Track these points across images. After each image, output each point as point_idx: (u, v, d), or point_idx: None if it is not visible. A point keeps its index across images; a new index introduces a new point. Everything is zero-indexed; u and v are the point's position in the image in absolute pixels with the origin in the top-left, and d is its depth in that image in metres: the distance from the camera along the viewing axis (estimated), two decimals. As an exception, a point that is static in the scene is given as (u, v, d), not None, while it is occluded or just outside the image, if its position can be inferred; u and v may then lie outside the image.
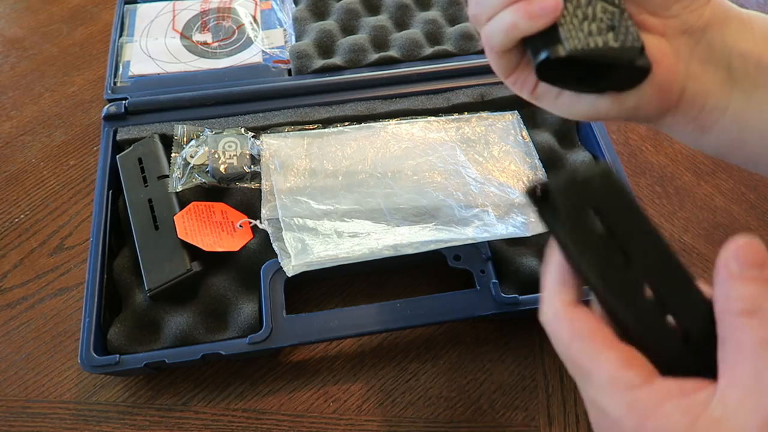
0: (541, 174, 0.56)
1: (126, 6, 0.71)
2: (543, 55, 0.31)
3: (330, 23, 0.67)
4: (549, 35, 0.31)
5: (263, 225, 0.52)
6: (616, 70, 0.32)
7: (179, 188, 0.54)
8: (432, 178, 0.55)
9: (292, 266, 0.48)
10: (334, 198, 0.54)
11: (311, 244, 0.50)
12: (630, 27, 0.31)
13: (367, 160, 0.57)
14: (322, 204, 0.53)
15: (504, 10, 0.32)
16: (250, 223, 0.53)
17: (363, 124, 0.59)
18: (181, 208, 0.53)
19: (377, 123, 0.59)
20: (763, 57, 0.32)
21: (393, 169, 0.56)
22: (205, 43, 0.67)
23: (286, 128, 0.59)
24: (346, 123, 0.60)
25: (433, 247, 0.49)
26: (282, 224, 0.51)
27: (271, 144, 0.57)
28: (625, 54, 0.31)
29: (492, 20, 0.32)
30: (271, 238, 0.51)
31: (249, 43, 0.67)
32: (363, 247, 0.49)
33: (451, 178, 0.55)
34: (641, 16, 0.32)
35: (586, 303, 0.26)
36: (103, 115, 0.59)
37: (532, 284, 0.50)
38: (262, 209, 0.53)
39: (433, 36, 0.67)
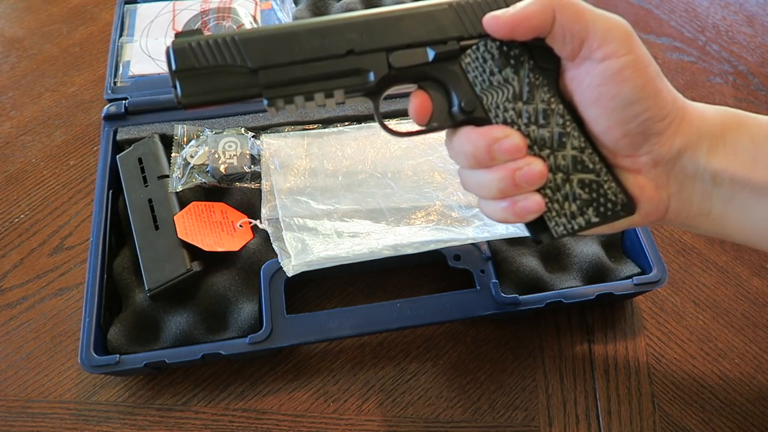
0: None
1: (126, 6, 0.71)
2: (535, 240, 0.36)
3: (330, 23, 0.67)
4: (538, 221, 0.35)
5: (263, 225, 0.52)
6: None
7: (179, 188, 0.54)
8: (432, 178, 0.55)
9: (292, 266, 0.48)
10: (334, 198, 0.54)
11: (311, 244, 0.50)
12: (609, 190, 0.34)
13: (367, 160, 0.56)
14: (322, 204, 0.53)
15: (493, 201, 0.35)
16: (250, 223, 0.53)
17: (363, 124, 0.59)
18: (181, 208, 0.53)
19: (377, 122, 0.59)
20: (736, 173, 0.33)
21: (393, 169, 0.56)
22: (205, 43, 0.67)
23: (286, 128, 0.59)
24: (346, 123, 0.60)
25: (433, 247, 0.49)
26: (282, 224, 0.51)
27: (271, 144, 0.57)
28: (607, 220, 0.34)
29: (484, 202, 0.36)
30: (271, 238, 0.51)
31: (249, 43, 0.67)
32: (363, 247, 0.49)
33: (451, 177, 0.55)
34: (615, 161, 0.34)
35: None
36: (103, 115, 0.59)
37: (532, 284, 0.50)
38: (262, 209, 0.53)
39: (433, 36, 0.67)
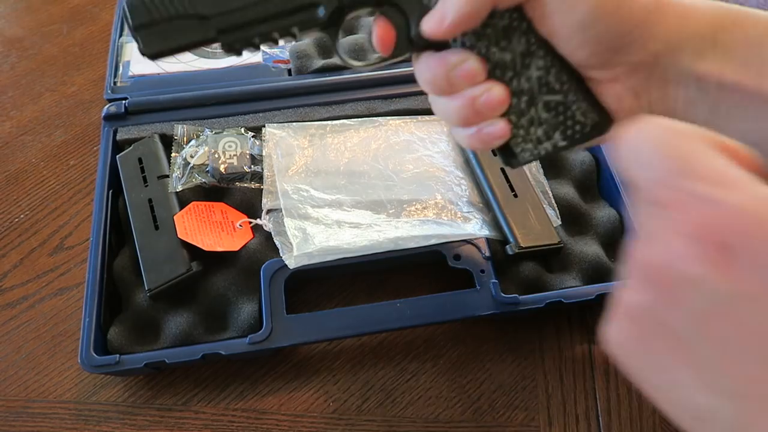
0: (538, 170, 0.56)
1: (126, 6, 0.71)
2: (506, 164, 0.36)
3: (330, 23, 0.67)
4: (506, 146, 0.34)
5: (264, 219, 0.52)
6: None
7: (179, 188, 0.54)
8: (433, 173, 0.55)
9: (294, 257, 0.48)
10: (336, 188, 0.54)
11: (312, 233, 0.50)
12: (577, 111, 0.33)
13: (369, 152, 0.57)
14: (324, 194, 0.53)
15: (461, 128, 0.34)
16: (250, 222, 0.53)
17: (366, 119, 0.59)
18: (181, 208, 0.53)
19: (380, 117, 0.59)
20: (724, 77, 0.30)
21: (394, 161, 0.56)
22: (205, 43, 0.67)
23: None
24: (347, 122, 0.60)
25: (434, 241, 0.49)
26: (284, 212, 0.52)
27: (274, 134, 0.57)
28: (575, 143, 0.33)
29: (453, 129, 0.35)
30: (272, 233, 0.51)
31: (249, 43, 0.67)
32: (364, 238, 0.50)
33: (451, 171, 0.55)
34: (589, 74, 0.33)
35: None
36: (103, 115, 0.59)
37: (532, 284, 0.50)
38: (263, 199, 0.53)
39: (433, 36, 0.67)
